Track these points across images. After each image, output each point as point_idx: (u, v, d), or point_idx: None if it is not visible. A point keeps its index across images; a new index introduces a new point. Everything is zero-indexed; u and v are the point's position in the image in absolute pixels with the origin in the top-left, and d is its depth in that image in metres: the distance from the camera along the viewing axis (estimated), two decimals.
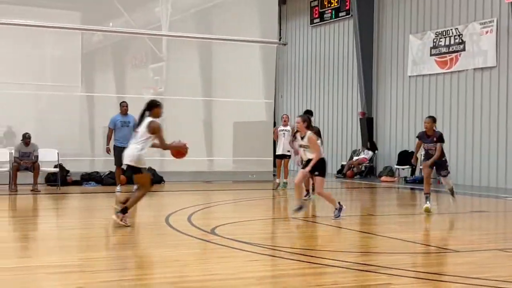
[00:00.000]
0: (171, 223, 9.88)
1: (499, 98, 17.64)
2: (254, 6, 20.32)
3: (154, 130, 9.36)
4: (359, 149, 22.14)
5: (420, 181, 18.99)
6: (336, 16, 23.65)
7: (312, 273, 6.67)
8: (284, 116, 16.39)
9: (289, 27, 26.15)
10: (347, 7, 22.99)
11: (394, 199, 16.08)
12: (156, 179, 16.73)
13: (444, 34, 19.25)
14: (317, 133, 11.76)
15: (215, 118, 20.20)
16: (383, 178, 20.31)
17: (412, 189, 17.82)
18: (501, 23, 17.49)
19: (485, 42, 17.92)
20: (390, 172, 20.62)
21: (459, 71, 18.82)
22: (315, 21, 24.88)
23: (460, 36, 18.68)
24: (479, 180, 18.15)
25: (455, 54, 18.88)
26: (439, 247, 8.21)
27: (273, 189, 15.89)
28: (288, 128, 15.69)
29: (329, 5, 24.02)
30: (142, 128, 9.44)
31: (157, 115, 9.57)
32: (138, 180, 9.58)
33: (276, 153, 16.15)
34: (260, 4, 20.31)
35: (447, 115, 19.23)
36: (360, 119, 22.13)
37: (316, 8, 24.73)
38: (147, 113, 9.58)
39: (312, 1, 24.95)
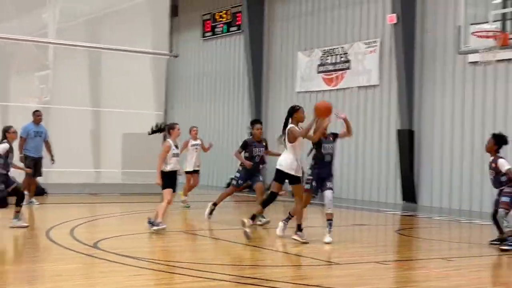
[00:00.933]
0: (52, 236, 9.57)
1: (382, 115, 18.38)
2: (145, 17, 20.16)
3: (292, 137, 9.61)
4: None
5: None
6: (228, 30, 23.88)
7: (198, 286, 6.66)
8: (194, 129, 15.21)
9: (181, 39, 26.11)
10: (238, 22, 23.26)
11: (280, 212, 16.31)
12: (38, 191, 16.05)
13: (330, 52, 19.88)
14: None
15: (103, 129, 19.82)
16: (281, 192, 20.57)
17: None
18: (384, 44, 18.27)
19: (369, 61, 18.66)
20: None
21: (344, 89, 19.47)
22: (206, 34, 25.00)
23: (346, 54, 19.35)
24: (362, 194, 18.79)
25: (341, 72, 19.53)
26: (322, 260, 8.43)
27: (186, 207, 14.66)
28: (199, 141, 14.95)
29: (220, 19, 24.22)
30: (285, 136, 9.63)
31: (300, 120, 9.83)
32: (297, 191, 9.66)
33: (187, 169, 14.86)
34: (152, 15, 20.18)
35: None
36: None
37: (208, 21, 24.87)
38: (290, 119, 9.87)
39: (204, 15, 25.08)
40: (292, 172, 9.57)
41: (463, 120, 16.32)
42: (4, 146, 10.43)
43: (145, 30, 20.12)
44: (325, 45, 20.12)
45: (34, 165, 14.07)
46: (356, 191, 19.01)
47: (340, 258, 8.53)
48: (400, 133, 17.51)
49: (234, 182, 12.09)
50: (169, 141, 10.38)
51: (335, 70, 19.75)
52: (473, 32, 11.87)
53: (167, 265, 7.75)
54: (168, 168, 10.29)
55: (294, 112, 9.90)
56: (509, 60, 14.86)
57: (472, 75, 16.12)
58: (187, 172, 14.86)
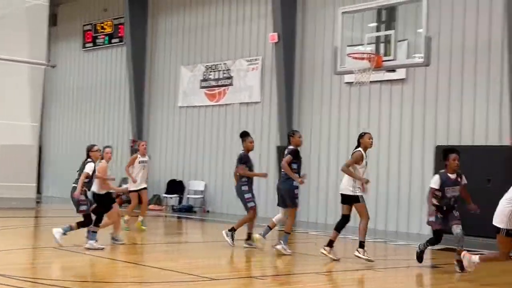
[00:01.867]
0: None
1: (262, 132, 18.67)
2: (23, 26, 19.42)
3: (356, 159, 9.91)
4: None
5: (186, 209, 19.42)
6: (110, 42, 23.48)
7: None
8: (143, 144, 14.09)
9: (60, 49, 25.41)
10: (120, 34, 22.94)
11: (160, 228, 16.19)
12: None
13: (213, 68, 20.01)
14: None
15: None
16: (151, 206, 20.35)
17: (179, 217, 18.10)
18: (266, 62, 18.62)
19: (251, 78, 18.95)
20: (158, 200, 20.76)
21: (226, 105, 19.64)
22: (87, 45, 24.46)
23: (229, 71, 19.54)
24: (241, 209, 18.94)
25: (224, 88, 19.69)
26: (197, 275, 8.41)
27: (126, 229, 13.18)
28: (147, 158, 13.93)
29: (102, 30, 23.78)
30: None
31: (366, 145, 10.20)
32: (359, 209, 9.85)
33: (135, 188, 13.64)
34: (30, 24, 19.48)
35: (214, 147, 19.93)
36: (131, 146, 22.07)
37: (89, 32, 24.35)
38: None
39: (85, 25, 24.53)
40: (349, 192, 9.90)
41: (339, 137, 16.86)
42: (90, 165, 10.09)
43: (22, 38, 19.37)
44: (208, 61, 20.23)
45: None
46: (236, 207, 19.12)
47: (216, 274, 8.53)
48: (279, 149, 17.84)
49: (252, 203, 11.26)
50: (105, 162, 10.44)
51: (217, 86, 19.89)
52: (349, 54, 12.32)
53: (38, 282, 7.45)
54: (103, 191, 10.35)
55: (360, 138, 10.24)
56: (381, 81, 15.54)
57: (348, 94, 16.73)
58: (133, 191, 13.71)
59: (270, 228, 10.85)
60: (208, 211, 19.57)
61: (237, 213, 18.82)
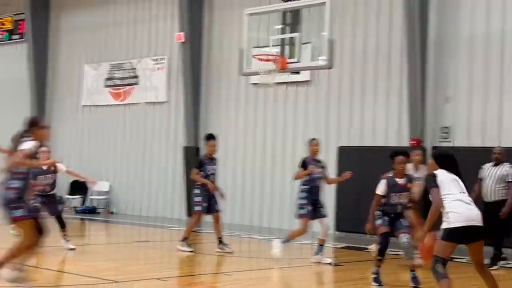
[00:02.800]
0: None
1: (169, 132, 18.53)
2: None
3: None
4: None
5: (90, 211, 19.01)
6: (10, 38, 22.66)
7: None
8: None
9: None
10: (21, 31, 22.18)
11: None
12: None
13: (119, 66, 19.68)
14: None
15: None
16: None
17: (82, 219, 17.70)
18: (172, 61, 18.48)
19: (157, 78, 18.76)
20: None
21: (132, 104, 19.36)
22: None
23: (134, 70, 19.28)
24: (147, 210, 18.76)
25: (129, 87, 19.40)
26: (101, 278, 8.25)
27: None
28: None
29: (2, 26, 22.92)
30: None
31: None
32: None
33: None
34: None
35: (119, 146, 19.62)
36: None
37: None
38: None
39: None
40: None
41: (246, 139, 16.96)
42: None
43: None
44: (114, 59, 19.87)
45: None
46: (142, 207, 18.93)
47: (120, 276, 8.40)
48: (186, 149, 17.77)
49: (198, 207, 10.89)
50: None
51: (123, 85, 19.58)
52: (254, 55, 12.41)
53: None
54: None
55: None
56: (287, 83, 15.77)
57: (254, 95, 16.87)
58: None
59: (320, 246, 10.31)
60: (112, 212, 19.24)
61: (142, 214, 18.63)
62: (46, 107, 21.50)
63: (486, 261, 10.20)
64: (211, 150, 11.11)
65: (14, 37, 22.53)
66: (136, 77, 19.25)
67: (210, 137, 11.35)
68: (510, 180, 10.36)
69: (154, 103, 18.90)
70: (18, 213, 6.78)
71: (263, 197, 16.51)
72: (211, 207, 11.01)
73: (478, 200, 10.36)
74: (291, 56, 12.09)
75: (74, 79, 20.91)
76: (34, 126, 7.17)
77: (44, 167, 10.44)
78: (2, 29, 22.93)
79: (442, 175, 6.54)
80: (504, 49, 13.18)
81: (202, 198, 10.93)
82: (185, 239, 11.00)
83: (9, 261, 6.87)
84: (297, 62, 12.05)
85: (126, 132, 19.55)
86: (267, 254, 10.41)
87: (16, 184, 6.87)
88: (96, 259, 10.31)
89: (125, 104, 19.55)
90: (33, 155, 6.89)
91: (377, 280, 8.29)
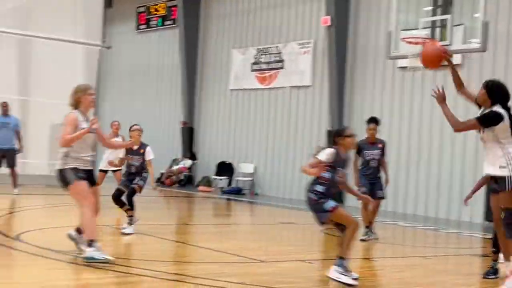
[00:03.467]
0: None
1: (313, 116, 18.59)
2: (78, 6, 19.75)
3: None
4: (179, 158, 22.26)
5: (236, 192, 19.52)
6: (163, 24, 23.67)
7: (117, 282, 6.58)
8: (116, 123, 13.40)
9: (115, 31, 25.71)
10: (173, 17, 23.09)
11: (210, 209, 16.35)
12: None
13: (264, 51, 19.97)
14: None
15: (31, 119, 19.30)
16: (200, 187, 20.57)
17: (228, 199, 18.23)
18: (318, 45, 18.48)
19: (303, 62, 18.84)
20: (207, 182, 20.93)
21: (277, 88, 19.61)
22: (141, 27, 24.72)
23: (280, 54, 19.48)
24: (290, 193, 18.96)
25: (275, 71, 19.65)
26: (247, 257, 8.47)
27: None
28: (120, 138, 13.10)
29: (156, 12, 23.98)
30: None
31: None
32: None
33: (103, 168, 12.99)
34: (85, 5, 19.79)
35: (264, 130, 19.95)
36: (182, 128, 22.29)
37: (143, 14, 24.59)
38: None
39: (138, 7, 24.78)
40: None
41: (391, 123, 16.64)
42: None
43: (77, 19, 19.71)
44: (260, 44, 20.20)
45: (2, 156, 14.63)
46: (285, 189, 19.17)
47: (265, 256, 8.58)
48: (329, 133, 17.74)
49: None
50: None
51: (268, 69, 19.86)
52: (403, 38, 12.13)
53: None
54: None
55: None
56: None
57: (401, 80, 16.50)
58: (101, 171, 13.04)
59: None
60: (256, 194, 19.65)
61: (286, 197, 18.87)
62: (196, 91, 22.30)
63: None
64: (371, 133, 10.53)
65: (166, 23, 23.51)
66: (281, 61, 19.45)
67: (371, 120, 10.67)
68: None
69: (299, 87, 19.02)
70: (329, 205, 6.94)
71: (428, 186, 15.97)
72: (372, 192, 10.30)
73: None
74: (442, 39, 11.73)
75: (223, 64, 21.49)
76: (339, 135, 7.22)
77: None
78: (156, 15, 23.99)
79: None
80: None
81: (362, 182, 10.41)
82: (366, 226, 10.44)
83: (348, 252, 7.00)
84: (448, 45, 11.62)
85: (271, 115, 19.84)
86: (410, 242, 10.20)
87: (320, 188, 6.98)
88: (241, 238, 10.59)
89: (270, 88, 19.83)
90: (328, 164, 6.92)
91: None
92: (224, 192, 19.79)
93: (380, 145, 10.60)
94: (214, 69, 21.90)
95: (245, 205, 17.26)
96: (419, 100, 16.10)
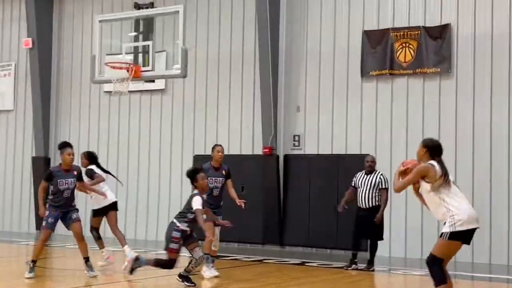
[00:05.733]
0: None
1: (16, 142, 17.70)
2: None
3: None
4: None
5: None
6: None
7: None
8: None
9: None
10: None
11: None
12: None
13: None
14: None
15: None
16: None
17: None
18: (20, 68, 17.68)
19: (3, 84, 17.87)
20: None
21: None
22: None
23: None
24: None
25: None
26: None
27: None
28: None
29: None
30: None
31: None
32: None
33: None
34: None
35: None
36: None
37: None
38: None
39: None
40: None
41: (99, 147, 16.38)
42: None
43: None
44: None
45: None
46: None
47: None
48: (34, 160, 17.04)
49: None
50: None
51: None
52: (107, 63, 12.13)
53: None
54: None
55: None
56: (141, 91, 15.59)
57: (108, 103, 16.50)
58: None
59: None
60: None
61: None
62: None
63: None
64: (67, 159, 9.80)
65: None
66: None
67: (64, 145, 9.95)
68: (383, 187, 10.86)
69: (0, 111, 17.99)
70: None
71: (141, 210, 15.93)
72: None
73: (349, 205, 11.02)
74: (145, 64, 11.97)
75: None
76: None
77: None
78: None
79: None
80: (349, 64, 13.81)
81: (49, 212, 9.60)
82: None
83: None
84: (151, 70, 11.94)
85: None
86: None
87: None
88: None
89: None
90: None
91: None
92: None
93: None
94: None
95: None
96: (126, 123, 16.25)
